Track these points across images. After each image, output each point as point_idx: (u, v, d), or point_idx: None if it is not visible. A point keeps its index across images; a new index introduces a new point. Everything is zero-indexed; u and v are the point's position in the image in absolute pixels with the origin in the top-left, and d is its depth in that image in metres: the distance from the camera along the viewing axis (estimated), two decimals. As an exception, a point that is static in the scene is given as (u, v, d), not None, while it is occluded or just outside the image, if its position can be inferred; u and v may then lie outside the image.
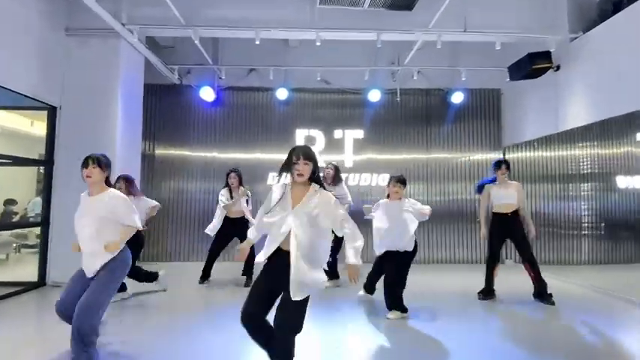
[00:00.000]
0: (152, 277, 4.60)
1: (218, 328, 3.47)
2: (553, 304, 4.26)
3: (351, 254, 2.28)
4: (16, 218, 6.62)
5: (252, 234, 2.46)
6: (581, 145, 6.72)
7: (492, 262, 4.53)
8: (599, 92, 5.15)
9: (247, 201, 5.19)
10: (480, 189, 4.79)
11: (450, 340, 3.19)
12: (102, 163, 2.71)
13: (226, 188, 5.11)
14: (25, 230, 6.31)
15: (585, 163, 6.76)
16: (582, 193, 6.78)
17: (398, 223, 3.74)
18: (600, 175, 6.80)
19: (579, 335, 3.47)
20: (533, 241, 4.57)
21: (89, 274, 2.63)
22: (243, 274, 5.05)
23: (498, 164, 4.52)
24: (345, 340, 3.36)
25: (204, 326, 3.53)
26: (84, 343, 2.43)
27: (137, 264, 4.54)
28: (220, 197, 5.08)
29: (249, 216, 5.08)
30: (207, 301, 4.66)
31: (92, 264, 2.62)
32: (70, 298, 2.58)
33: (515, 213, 4.46)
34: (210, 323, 3.65)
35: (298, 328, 2.15)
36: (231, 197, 5.04)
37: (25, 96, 4.70)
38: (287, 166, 2.25)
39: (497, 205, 4.52)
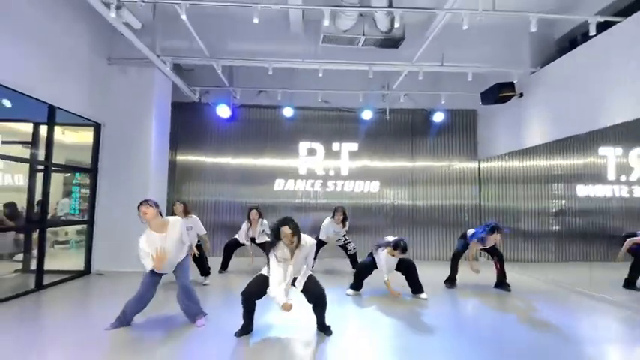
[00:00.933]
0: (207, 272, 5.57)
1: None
2: (509, 290, 5.33)
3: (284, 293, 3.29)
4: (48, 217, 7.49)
5: (280, 295, 3.25)
6: (545, 158, 7.84)
7: (457, 257, 5.60)
8: (554, 116, 6.22)
9: (263, 231, 6.08)
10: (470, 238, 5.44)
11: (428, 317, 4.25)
12: (152, 204, 3.59)
13: (246, 222, 6.04)
14: (57, 228, 7.18)
15: (546, 173, 7.88)
16: (546, 199, 7.89)
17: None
18: (560, 184, 7.92)
19: (532, 319, 4.53)
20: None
21: (169, 270, 3.70)
22: None
23: (492, 230, 5.12)
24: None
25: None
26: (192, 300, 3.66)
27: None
28: (240, 232, 6.07)
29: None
30: (229, 286, 5.64)
31: (173, 265, 3.73)
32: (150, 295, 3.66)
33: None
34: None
35: (323, 289, 3.40)
36: (250, 231, 6.03)
37: (77, 115, 5.68)
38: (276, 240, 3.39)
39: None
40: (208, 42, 6.28)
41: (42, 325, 3.86)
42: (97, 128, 6.16)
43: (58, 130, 8.10)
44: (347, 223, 6.25)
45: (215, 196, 7.97)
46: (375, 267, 4.89)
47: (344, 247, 6.23)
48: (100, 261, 6.04)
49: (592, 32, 4.79)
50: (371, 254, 4.99)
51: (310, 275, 3.49)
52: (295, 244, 3.34)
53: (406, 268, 4.95)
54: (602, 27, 4.98)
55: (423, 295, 4.88)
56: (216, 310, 4.14)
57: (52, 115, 5.17)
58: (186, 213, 5.30)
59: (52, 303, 4.56)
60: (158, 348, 3.23)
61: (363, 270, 5.01)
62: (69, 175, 7.53)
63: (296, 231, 3.32)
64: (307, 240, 3.47)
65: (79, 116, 5.74)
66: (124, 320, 3.63)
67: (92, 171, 6.11)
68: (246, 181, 8.00)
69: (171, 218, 3.73)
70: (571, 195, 7.94)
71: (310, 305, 3.50)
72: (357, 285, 5.04)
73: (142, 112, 6.28)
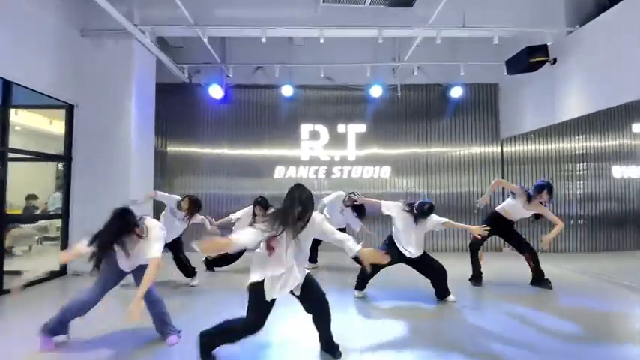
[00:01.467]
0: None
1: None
2: (551, 288, 4.50)
3: None
4: (37, 212, 6.89)
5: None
6: (577, 137, 6.95)
7: (473, 247, 4.79)
8: (595, 84, 5.33)
9: None
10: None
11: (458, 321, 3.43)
12: None
13: (249, 211, 5.19)
14: (47, 223, 6.56)
15: (581, 154, 6.99)
16: (578, 183, 7.01)
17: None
18: (596, 166, 7.02)
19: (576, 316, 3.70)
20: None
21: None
22: None
23: (541, 188, 4.41)
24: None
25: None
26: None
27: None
28: (235, 215, 5.27)
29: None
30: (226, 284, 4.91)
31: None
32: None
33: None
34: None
35: (324, 293, 2.62)
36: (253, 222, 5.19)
37: (44, 94, 4.96)
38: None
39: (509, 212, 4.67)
40: (193, 9, 5.52)
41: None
42: (70, 110, 5.43)
43: (43, 119, 7.60)
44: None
45: (211, 189, 7.22)
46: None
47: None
48: (78, 260, 5.32)
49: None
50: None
51: (308, 274, 2.62)
52: (305, 221, 2.42)
53: (434, 272, 4.09)
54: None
55: (451, 298, 4.05)
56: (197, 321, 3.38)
57: (6, 93, 4.44)
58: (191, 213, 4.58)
59: (9, 311, 3.88)
60: None
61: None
62: (62, 167, 6.91)
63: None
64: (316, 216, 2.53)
65: (48, 96, 5.02)
66: (58, 328, 2.87)
67: (65, 159, 5.40)
68: (244, 170, 7.23)
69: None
70: (606, 175, 7.08)
71: (310, 317, 2.65)
72: (361, 284, 4.24)
73: (120, 92, 5.54)
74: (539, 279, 4.62)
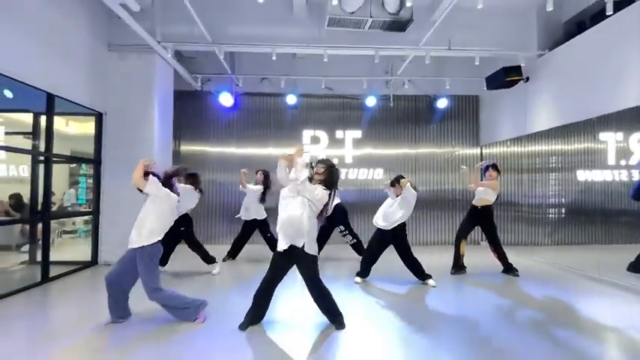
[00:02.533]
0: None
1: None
2: (518, 275, 5.39)
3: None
4: (54, 208, 7.44)
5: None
6: (546, 143, 7.85)
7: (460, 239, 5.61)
8: (562, 101, 6.15)
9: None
10: None
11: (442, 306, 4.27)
12: None
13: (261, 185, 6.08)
14: (65, 219, 7.12)
15: (550, 158, 7.90)
16: (548, 183, 7.94)
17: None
18: (563, 169, 7.96)
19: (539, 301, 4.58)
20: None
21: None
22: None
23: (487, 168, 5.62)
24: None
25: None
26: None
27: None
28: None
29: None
30: (238, 275, 5.63)
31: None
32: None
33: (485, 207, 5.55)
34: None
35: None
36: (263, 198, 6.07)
37: (77, 104, 5.54)
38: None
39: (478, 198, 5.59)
40: (210, 26, 6.13)
41: (47, 319, 3.81)
42: (99, 117, 6.02)
43: (61, 120, 8.08)
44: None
45: (219, 186, 7.90)
46: (384, 247, 4.93)
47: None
48: (108, 252, 5.97)
49: (609, 11, 4.66)
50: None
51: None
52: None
53: (398, 247, 4.92)
54: (617, 7, 4.87)
55: (432, 282, 4.86)
56: (223, 305, 4.11)
57: (50, 104, 5.02)
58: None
59: (58, 296, 4.51)
60: (159, 345, 3.07)
61: (368, 253, 5.02)
62: (74, 165, 7.45)
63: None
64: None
65: (80, 105, 5.60)
66: (118, 312, 3.48)
67: (96, 161, 6.00)
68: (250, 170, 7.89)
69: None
70: (571, 179, 8.01)
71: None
72: (364, 271, 5.04)
73: (143, 100, 6.14)
74: (507, 267, 5.51)
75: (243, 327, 3.33)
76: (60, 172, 8.31)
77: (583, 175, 7.79)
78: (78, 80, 5.48)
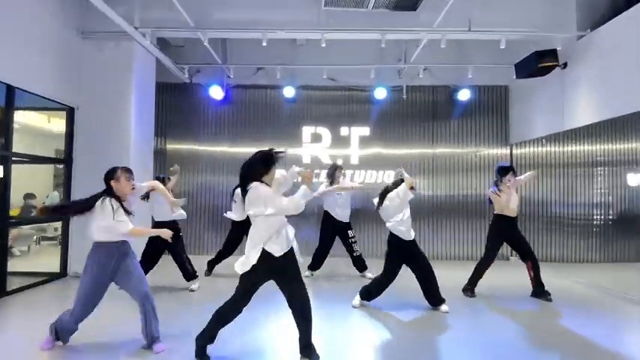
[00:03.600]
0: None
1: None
2: (550, 300, 4.38)
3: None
4: (35, 212, 6.99)
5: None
6: (589, 142, 6.68)
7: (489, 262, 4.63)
8: (606, 91, 5.11)
9: None
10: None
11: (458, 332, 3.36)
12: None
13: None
14: (45, 223, 6.65)
15: (594, 160, 6.72)
16: (591, 188, 6.75)
17: None
18: (609, 171, 6.76)
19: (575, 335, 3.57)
20: None
21: None
22: None
23: (502, 171, 4.56)
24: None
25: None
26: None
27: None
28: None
29: None
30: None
31: None
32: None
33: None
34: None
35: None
36: None
37: (43, 97, 4.97)
38: None
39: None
40: (193, 11, 5.44)
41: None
42: (70, 112, 5.45)
43: (42, 117, 7.66)
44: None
45: (210, 189, 7.21)
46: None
47: (349, 247, 5.33)
48: (79, 261, 5.36)
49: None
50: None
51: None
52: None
53: (419, 270, 4.01)
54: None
55: (444, 308, 3.98)
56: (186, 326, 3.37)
57: (10, 98, 4.47)
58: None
59: (11, 314, 3.99)
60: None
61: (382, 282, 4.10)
62: (62, 166, 6.97)
63: None
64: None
65: (48, 99, 5.03)
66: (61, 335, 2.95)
67: (66, 161, 5.43)
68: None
69: None
70: (620, 184, 6.79)
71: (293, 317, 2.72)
72: (369, 294, 4.13)
73: (120, 93, 5.52)
74: (538, 291, 4.51)
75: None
76: (43, 174, 7.88)
77: (634, 180, 6.60)
78: (44, 71, 4.93)
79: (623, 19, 4.83)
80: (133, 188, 3.06)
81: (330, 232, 5.30)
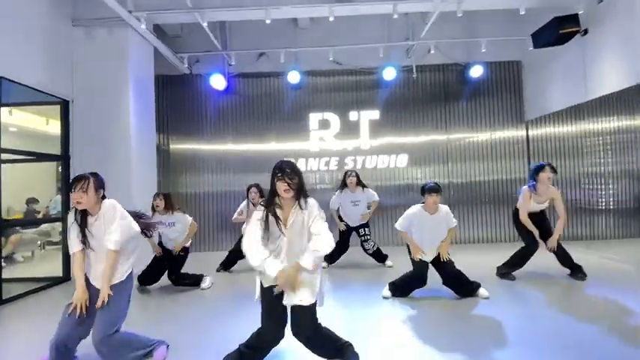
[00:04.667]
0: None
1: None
2: (584, 278, 4.10)
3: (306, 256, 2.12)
4: (39, 216, 6.62)
5: (258, 262, 2.11)
6: (613, 112, 6.36)
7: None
8: (632, 54, 4.80)
9: None
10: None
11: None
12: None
13: (245, 202, 4.91)
14: (49, 227, 6.28)
15: (618, 136, 6.41)
16: (615, 168, 6.43)
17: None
18: (634, 148, 6.45)
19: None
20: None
21: None
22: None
23: (539, 169, 4.17)
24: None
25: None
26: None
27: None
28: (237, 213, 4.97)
29: None
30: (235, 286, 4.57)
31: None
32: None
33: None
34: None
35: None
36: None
37: (36, 90, 4.62)
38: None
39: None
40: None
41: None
42: (65, 106, 5.09)
43: (40, 120, 7.29)
44: (366, 189, 4.99)
45: (216, 187, 6.84)
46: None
47: (361, 245, 5.01)
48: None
49: None
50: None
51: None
52: (293, 197, 2.19)
53: (448, 277, 3.68)
54: None
55: (483, 293, 3.66)
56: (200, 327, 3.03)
57: (-5, 89, 4.12)
58: (168, 208, 4.23)
59: (6, 323, 3.61)
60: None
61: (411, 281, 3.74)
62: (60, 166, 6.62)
63: (299, 174, 2.21)
64: (311, 201, 2.25)
65: (40, 91, 4.68)
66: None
67: (62, 158, 5.07)
68: (250, 166, 6.78)
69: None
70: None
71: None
72: (399, 291, 3.77)
73: (117, 84, 5.17)
74: (573, 270, 4.21)
75: None
76: (47, 178, 7.52)
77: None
78: (34, 61, 4.58)
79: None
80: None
81: (345, 231, 5.02)
